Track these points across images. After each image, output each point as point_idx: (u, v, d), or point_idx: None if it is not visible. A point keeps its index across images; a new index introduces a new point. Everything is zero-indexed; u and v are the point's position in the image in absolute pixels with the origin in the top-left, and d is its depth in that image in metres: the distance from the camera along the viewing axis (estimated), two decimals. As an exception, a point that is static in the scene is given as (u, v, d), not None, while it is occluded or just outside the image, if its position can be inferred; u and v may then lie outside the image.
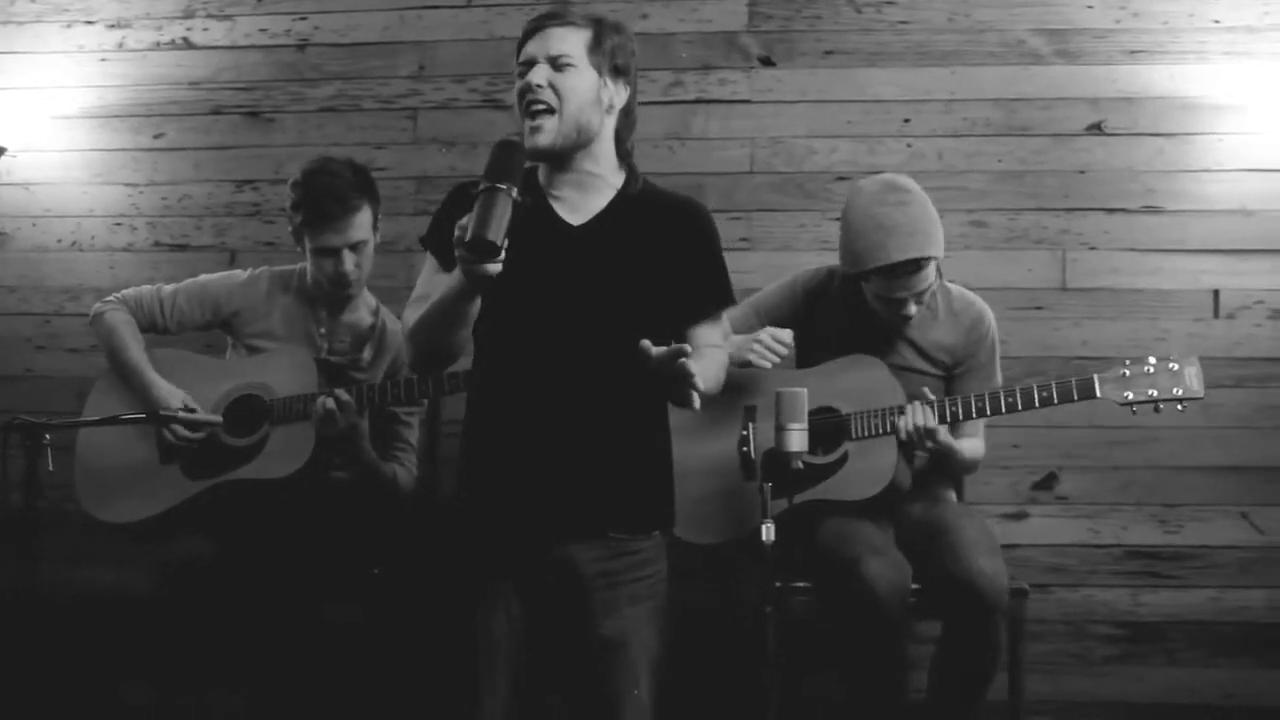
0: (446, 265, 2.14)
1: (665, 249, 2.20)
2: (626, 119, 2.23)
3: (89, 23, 3.70)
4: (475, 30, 3.58)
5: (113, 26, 3.69)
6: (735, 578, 2.87)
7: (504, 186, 1.95)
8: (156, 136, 3.67)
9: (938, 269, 2.78)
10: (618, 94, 2.19)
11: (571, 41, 2.14)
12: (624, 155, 2.24)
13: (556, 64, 2.13)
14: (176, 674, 2.81)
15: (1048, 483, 3.38)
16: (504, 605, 2.11)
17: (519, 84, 2.16)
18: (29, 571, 2.76)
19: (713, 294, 2.27)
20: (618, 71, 2.18)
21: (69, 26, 3.70)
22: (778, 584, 2.52)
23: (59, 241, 3.70)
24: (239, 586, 2.70)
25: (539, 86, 2.11)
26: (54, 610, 3.03)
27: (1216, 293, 3.36)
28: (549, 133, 2.13)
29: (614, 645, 2.12)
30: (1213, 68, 3.37)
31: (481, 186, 1.96)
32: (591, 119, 2.16)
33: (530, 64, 2.15)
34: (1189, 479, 3.34)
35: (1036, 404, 2.60)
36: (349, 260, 2.87)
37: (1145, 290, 3.38)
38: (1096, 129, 3.40)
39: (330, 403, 2.65)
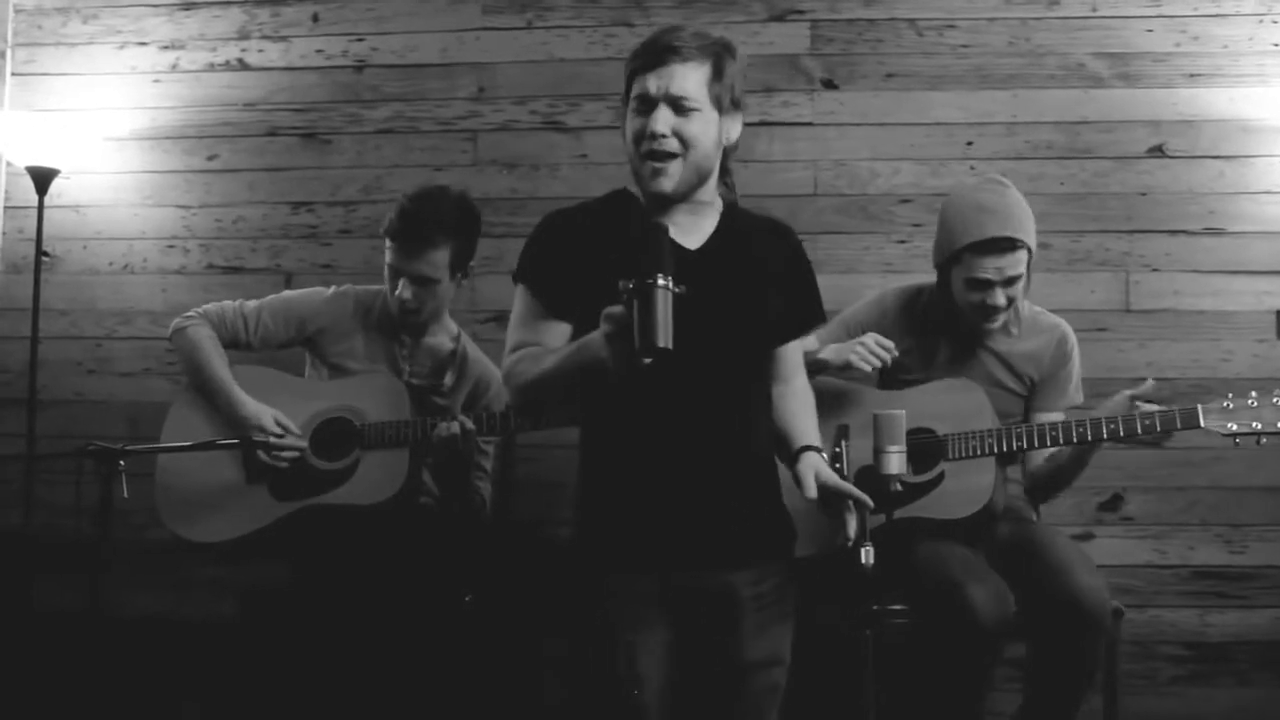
0: (550, 305, 2.08)
1: (769, 268, 2.18)
2: (735, 145, 2.16)
3: (142, 44, 3.67)
4: (535, 52, 3.58)
5: (166, 48, 3.67)
6: (822, 597, 2.84)
7: (662, 282, 1.81)
8: (210, 158, 3.64)
9: (1026, 278, 2.78)
10: (733, 128, 2.10)
11: (694, 81, 2.02)
12: (725, 173, 2.19)
13: (680, 107, 2.02)
14: (253, 702, 2.76)
15: (1113, 504, 3.40)
16: (658, 640, 2.04)
17: (636, 123, 2.04)
18: (102, 598, 2.70)
19: (811, 312, 2.26)
20: (735, 106, 2.09)
21: (122, 48, 3.67)
22: (875, 607, 2.50)
23: (110, 264, 3.66)
24: (320, 613, 2.66)
25: (663, 136, 2.01)
26: (128, 635, 2.98)
27: (1279, 314, 3.39)
28: (672, 179, 2.04)
29: (761, 667, 2.10)
30: (1273, 90, 3.40)
31: (634, 284, 1.81)
32: (713, 161, 2.09)
33: (650, 103, 2.03)
34: (1253, 499, 3.36)
35: (1139, 431, 2.61)
36: (406, 289, 2.83)
37: (1208, 312, 3.41)
38: (1158, 151, 3.43)
39: (455, 428, 2.62)
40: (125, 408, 3.61)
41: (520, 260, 2.15)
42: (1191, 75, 3.43)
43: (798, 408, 2.23)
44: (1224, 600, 3.35)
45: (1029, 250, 2.72)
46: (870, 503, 2.06)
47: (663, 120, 2.02)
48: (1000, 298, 2.73)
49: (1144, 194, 3.43)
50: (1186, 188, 3.42)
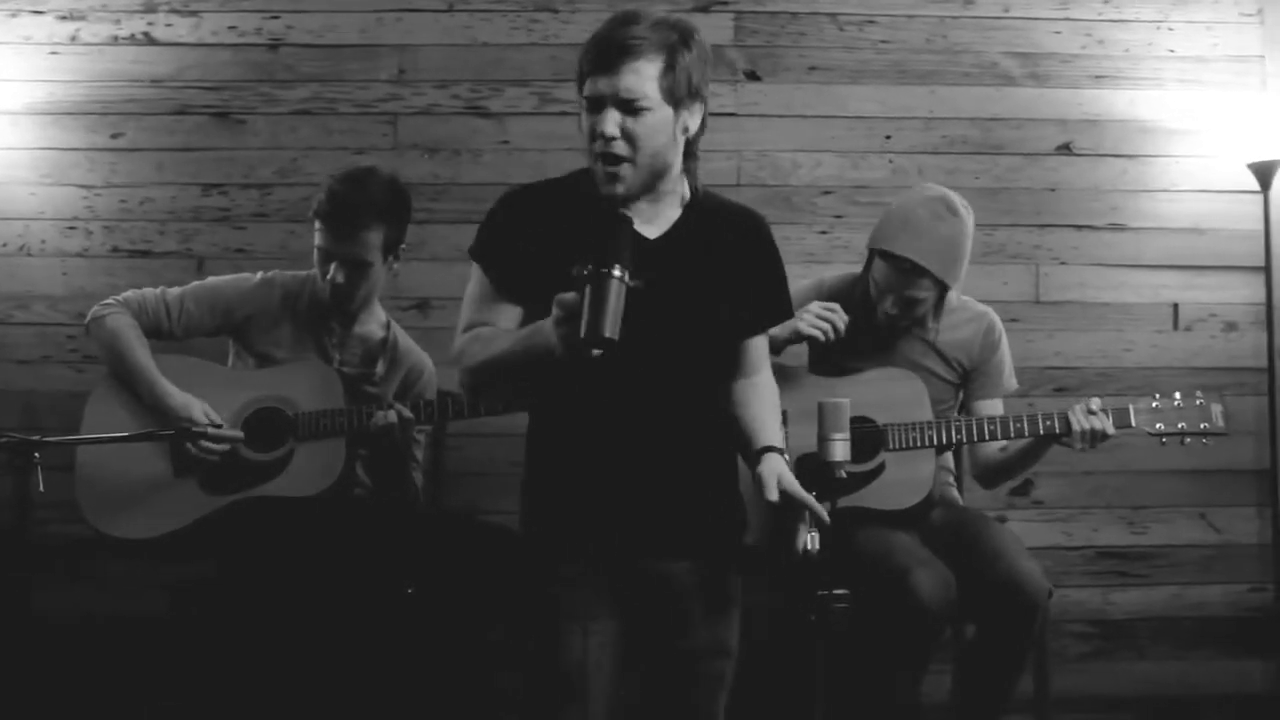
0: (501, 288, 2.06)
1: (736, 259, 2.15)
2: (699, 132, 2.10)
3: (37, 13, 3.48)
4: (458, 35, 3.52)
5: (64, 18, 3.48)
6: (767, 584, 2.87)
7: (617, 273, 1.81)
8: (114, 136, 3.47)
9: (941, 295, 2.84)
10: (693, 119, 2.06)
11: (644, 77, 1.97)
12: (690, 156, 2.13)
13: (629, 108, 1.98)
14: (186, 698, 2.66)
15: (1024, 488, 3.53)
16: (605, 630, 2.04)
17: (587, 123, 2.01)
18: (24, 595, 2.57)
19: (778, 307, 2.26)
20: (693, 96, 2.03)
21: (14, 16, 3.47)
22: (820, 592, 2.54)
23: (4, 245, 3.47)
24: (258, 610, 2.57)
25: (612, 138, 1.98)
26: (54, 634, 2.83)
27: (1175, 306, 3.56)
28: (624, 182, 2.02)
29: (707, 656, 2.12)
30: (1169, 94, 3.57)
31: (589, 270, 1.81)
32: (668, 157, 2.05)
33: (599, 104, 2.00)
34: (1153, 482, 3.53)
35: (1073, 429, 2.70)
36: (338, 273, 2.76)
37: (1111, 304, 3.56)
38: (1065, 149, 3.56)
39: (392, 416, 2.56)
40: (21, 396, 3.41)
41: (476, 237, 2.12)
42: (1096, 77, 3.58)
43: (760, 404, 2.22)
44: (1125, 579, 3.52)
45: (937, 281, 2.75)
46: (826, 518, 2.07)
47: (611, 122, 1.98)
48: (891, 305, 2.80)
49: (1052, 190, 3.56)
50: (1091, 184, 3.57)
